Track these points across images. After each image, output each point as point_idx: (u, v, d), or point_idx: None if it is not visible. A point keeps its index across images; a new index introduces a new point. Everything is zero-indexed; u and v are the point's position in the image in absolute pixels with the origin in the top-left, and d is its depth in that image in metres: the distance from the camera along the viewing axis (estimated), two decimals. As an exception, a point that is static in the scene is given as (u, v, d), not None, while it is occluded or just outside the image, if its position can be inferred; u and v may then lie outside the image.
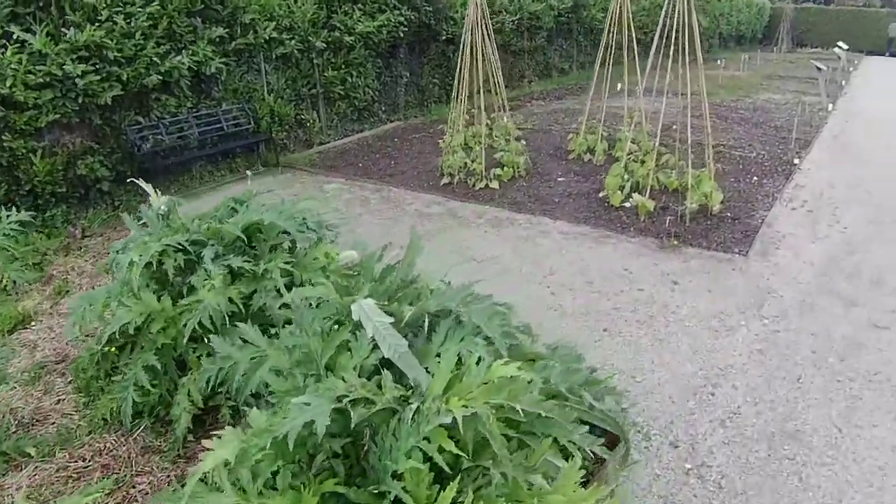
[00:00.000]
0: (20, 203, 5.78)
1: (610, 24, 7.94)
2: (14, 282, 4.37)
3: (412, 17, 10.72)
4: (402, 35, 10.60)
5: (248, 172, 7.29)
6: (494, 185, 7.27)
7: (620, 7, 7.85)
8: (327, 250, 3.01)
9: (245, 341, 2.37)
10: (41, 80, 5.79)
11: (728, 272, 4.99)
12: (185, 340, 2.70)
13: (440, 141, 8.16)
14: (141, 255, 2.75)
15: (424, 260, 2.85)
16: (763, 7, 34.49)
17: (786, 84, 15.99)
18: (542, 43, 15.89)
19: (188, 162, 7.46)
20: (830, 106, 12.01)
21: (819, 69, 11.95)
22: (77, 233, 5.84)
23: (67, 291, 4.63)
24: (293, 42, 8.52)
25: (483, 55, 7.38)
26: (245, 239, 3.03)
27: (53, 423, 3.12)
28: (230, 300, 2.71)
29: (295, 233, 3.02)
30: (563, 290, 4.69)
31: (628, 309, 4.38)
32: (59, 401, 3.29)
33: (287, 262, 2.88)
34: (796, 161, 7.91)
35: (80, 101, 6.13)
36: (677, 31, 6.52)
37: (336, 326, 2.23)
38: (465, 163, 7.51)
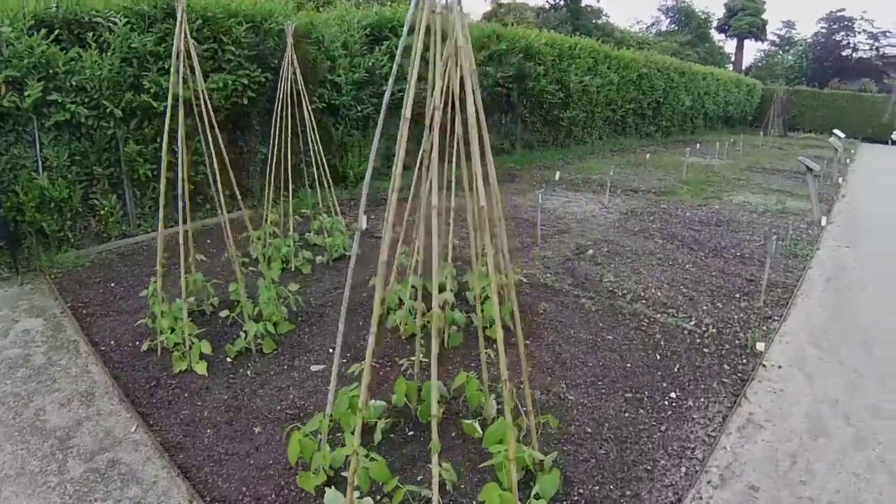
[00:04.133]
0: None
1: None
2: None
3: (266, 79, 7.73)
4: (246, 102, 7.79)
5: None
6: (201, 367, 3.89)
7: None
8: None
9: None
10: None
11: None
12: None
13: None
14: None
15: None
16: (754, 87, 32.09)
17: (770, 180, 12.81)
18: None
19: None
20: (824, 219, 8.74)
21: (809, 169, 8.73)
22: None
23: None
24: (79, 107, 6.25)
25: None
26: None
27: None
28: None
29: None
30: None
31: None
32: None
33: None
34: (760, 348, 4.50)
35: None
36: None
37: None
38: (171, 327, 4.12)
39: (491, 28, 14.08)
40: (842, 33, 44.43)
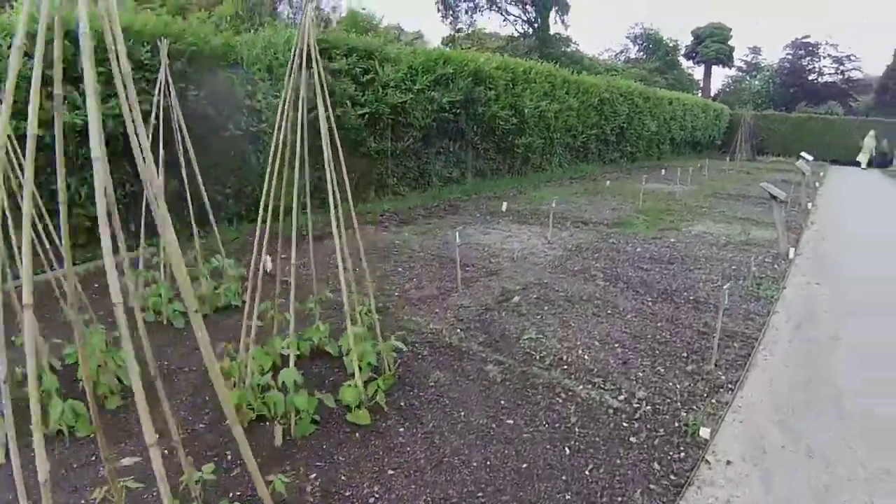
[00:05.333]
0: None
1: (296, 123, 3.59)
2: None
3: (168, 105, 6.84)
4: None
5: None
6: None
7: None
8: None
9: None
10: None
11: None
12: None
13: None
14: None
15: None
16: (721, 112, 31.71)
17: (734, 207, 11.91)
18: (412, 144, 11.73)
19: None
20: (791, 251, 7.77)
21: (773, 197, 7.78)
22: None
23: None
24: None
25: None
26: None
27: None
28: None
29: None
30: None
31: None
32: None
33: None
34: (704, 434, 3.41)
35: None
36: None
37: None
38: None
39: (439, 51, 13.21)
40: (807, 58, 44.71)
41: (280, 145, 3.59)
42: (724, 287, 4.23)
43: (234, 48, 8.95)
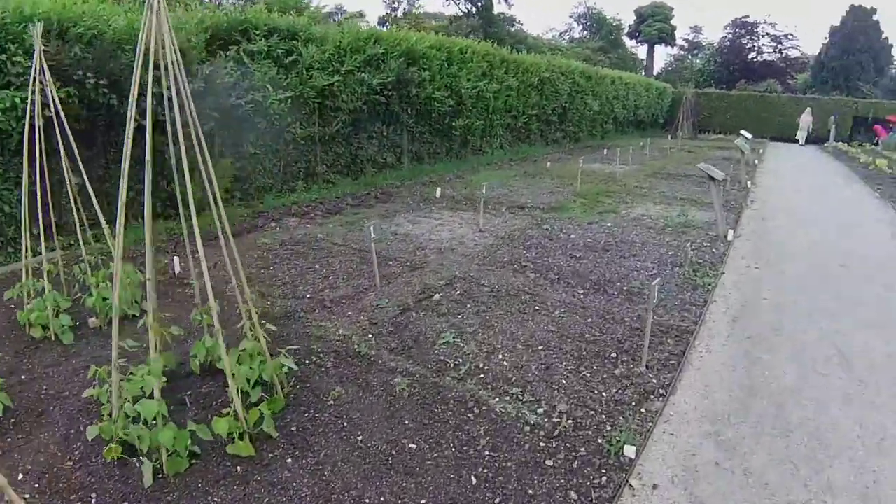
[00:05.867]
0: None
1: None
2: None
3: (69, 95, 6.04)
4: (43, 123, 5.90)
5: None
6: None
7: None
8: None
9: None
10: None
11: None
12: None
13: None
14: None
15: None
16: (664, 91, 31.83)
17: (674, 187, 11.70)
18: (341, 129, 11.07)
19: None
20: (730, 233, 7.52)
21: (711, 179, 7.49)
22: None
23: None
24: None
25: None
26: None
27: None
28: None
29: None
30: None
31: None
32: None
33: None
34: (629, 454, 3.00)
35: None
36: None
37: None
38: None
39: (369, 30, 12.52)
40: (747, 37, 45.40)
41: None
42: (654, 283, 3.83)
43: (137, 30, 8.15)
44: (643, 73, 42.13)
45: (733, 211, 9.47)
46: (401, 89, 12.23)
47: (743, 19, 45.06)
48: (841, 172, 16.50)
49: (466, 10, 43.80)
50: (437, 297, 5.28)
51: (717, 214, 7.67)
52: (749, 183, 12.32)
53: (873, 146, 25.39)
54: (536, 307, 5.03)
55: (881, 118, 27.87)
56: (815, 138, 28.00)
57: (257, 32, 9.44)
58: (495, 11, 43.03)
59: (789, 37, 44.43)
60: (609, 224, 8.02)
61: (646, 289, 5.47)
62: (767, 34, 44.84)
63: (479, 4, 42.40)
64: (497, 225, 8.00)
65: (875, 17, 38.71)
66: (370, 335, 4.46)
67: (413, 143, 13.57)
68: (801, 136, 28.04)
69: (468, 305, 5.04)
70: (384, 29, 12.97)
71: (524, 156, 16.80)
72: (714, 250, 6.94)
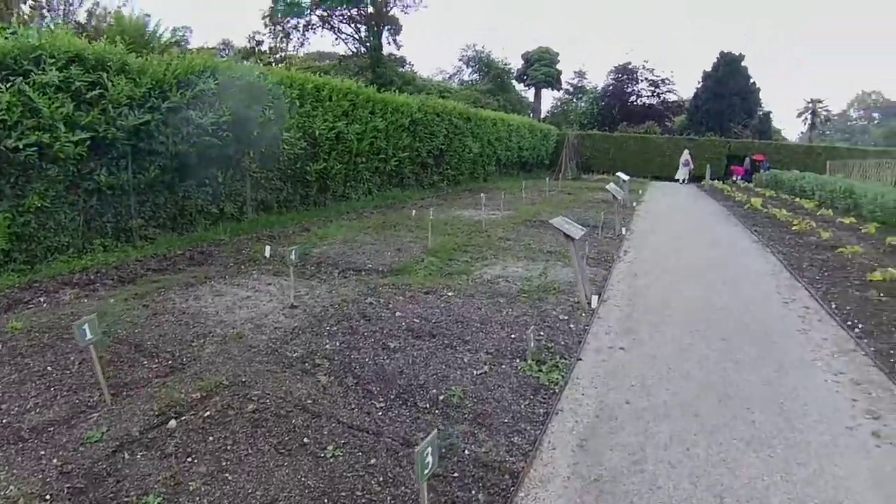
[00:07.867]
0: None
1: None
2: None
3: None
4: None
5: None
6: None
7: None
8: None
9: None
10: None
11: None
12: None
13: None
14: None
15: None
16: (549, 132, 31.80)
17: (543, 237, 10.58)
18: (159, 176, 9.19)
19: None
20: (595, 299, 6.31)
21: (568, 238, 6.27)
22: None
23: None
24: None
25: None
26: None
27: None
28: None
29: None
30: None
31: None
32: None
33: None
34: None
35: None
36: None
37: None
38: None
39: (201, 59, 10.74)
40: (628, 82, 47.18)
41: None
42: (434, 437, 2.32)
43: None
44: (531, 116, 42.48)
45: (603, 265, 8.38)
46: (239, 129, 10.52)
47: (625, 65, 46.86)
48: (719, 213, 16.25)
49: (356, 50, 42.90)
50: (172, 423, 3.58)
51: (577, 278, 6.44)
52: (624, 230, 11.46)
53: (734, 181, 26.73)
54: (306, 439, 3.43)
55: (749, 156, 29.20)
56: (693, 177, 28.71)
57: (52, 61, 7.53)
58: (385, 52, 42.38)
59: (666, 81, 46.54)
60: (451, 294, 6.59)
61: (468, 399, 4.01)
62: (646, 79, 46.78)
63: (368, 44, 41.60)
64: (318, 296, 6.40)
65: (744, 63, 41.13)
66: (48, 497, 2.71)
67: (258, 190, 11.83)
68: (681, 175, 28.64)
69: (209, 439, 3.38)
70: (217, 59, 11.26)
71: (392, 201, 15.41)
72: (572, 325, 5.65)
